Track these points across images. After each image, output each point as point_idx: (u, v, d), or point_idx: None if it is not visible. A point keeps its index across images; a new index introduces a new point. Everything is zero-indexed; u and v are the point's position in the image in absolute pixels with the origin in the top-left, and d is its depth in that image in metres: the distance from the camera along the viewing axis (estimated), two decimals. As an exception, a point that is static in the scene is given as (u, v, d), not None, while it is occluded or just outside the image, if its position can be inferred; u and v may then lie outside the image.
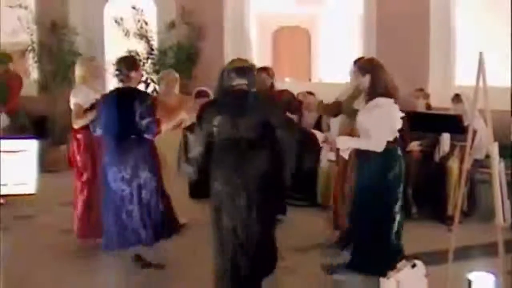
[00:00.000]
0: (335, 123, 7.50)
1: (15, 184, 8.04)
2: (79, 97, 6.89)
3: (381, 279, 4.73)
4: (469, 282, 4.51)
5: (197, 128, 5.23)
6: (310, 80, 14.97)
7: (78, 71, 7.14)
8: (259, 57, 13.16)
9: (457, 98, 8.07)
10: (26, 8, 11.72)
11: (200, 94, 9.20)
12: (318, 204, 8.40)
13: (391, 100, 5.28)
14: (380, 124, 5.21)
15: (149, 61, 11.32)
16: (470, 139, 5.42)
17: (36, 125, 10.88)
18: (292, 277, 5.87)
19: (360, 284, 5.77)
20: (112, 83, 10.23)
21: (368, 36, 10.37)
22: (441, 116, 8.01)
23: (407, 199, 7.89)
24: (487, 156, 6.44)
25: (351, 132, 5.81)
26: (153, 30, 11.58)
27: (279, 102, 5.52)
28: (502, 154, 7.30)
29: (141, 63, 11.17)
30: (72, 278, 6.23)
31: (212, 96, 9.11)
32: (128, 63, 6.24)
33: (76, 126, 6.91)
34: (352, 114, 5.81)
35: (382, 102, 5.24)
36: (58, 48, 11.76)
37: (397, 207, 5.56)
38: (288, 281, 5.72)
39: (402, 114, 5.49)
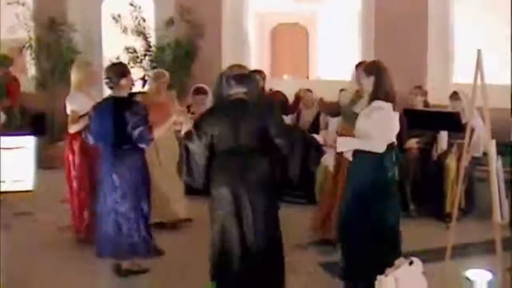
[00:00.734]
0: (333, 122, 7.53)
1: (13, 181, 8.09)
2: (74, 105, 6.94)
3: (379, 277, 4.73)
4: (467, 280, 4.51)
5: (195, 138, 5.15)
6: (308, 77, 14.97)
7: (74, 75, 7.11)
8: (257, 55, 13.17)
9: (455, 95, 8.08)
10: (23, 4, 11.71)
11: (198, 91, 9.21)
12: (316, 202, 8.38)
13: (391, 105, 5.25)
14: (381, 126, 5.18)
15: (147, 58, 11.31)
16: (467, 137, 5.43)
17: (34, 122, 10.89)
18: (291, 274, 5.87)
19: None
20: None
21: (366, 33, 10.38)
22: (439, 114, 8.00)
23: (405, 197, 7.91)
24: (485, 154, 6.44)
25: (349, 134, 5.78)
26: (151, 27, 11.57)
27: (278, 111, 5.46)
28: (501, 152, 7.35)
29: (139, 60, 11.20)
30: (71, 275, 6.23)
31: (210, 93, 9.20)
32: (117, 71, 6.11)
33: (71, 131, 6.99)
34: (351, 117, 5.81)
35: (383, 105, 5.23)
36: (56, 44, 11.75)
37: (390, 216, 5.38)
38: (288, 278, 5.71)
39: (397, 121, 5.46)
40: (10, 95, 10.45)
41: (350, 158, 5.38)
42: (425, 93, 8.97)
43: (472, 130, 7.12)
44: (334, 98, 8.09)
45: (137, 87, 10.89)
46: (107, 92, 6.41)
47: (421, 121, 7.85)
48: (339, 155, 6.05)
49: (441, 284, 5.20)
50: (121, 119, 5.82)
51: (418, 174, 8.25)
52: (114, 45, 11.44)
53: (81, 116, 6.79)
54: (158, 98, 7.59)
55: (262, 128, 5.05)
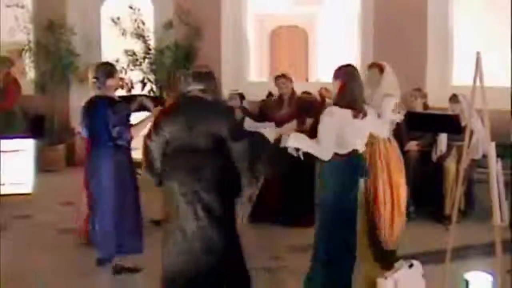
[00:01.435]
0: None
1: (12, 184, 8.08)
2: None
3: (379, 279, 4.72)
4: (467, 282, 4.51)
5: (153, 135, 5.15)
6: (307, 79, 14.97)
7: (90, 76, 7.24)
8: (256, 57, 13.16)
9: (454, 98, 8.09)
10: (23, 7, 11.69)
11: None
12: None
13: (350, 112, 5.04)
14: (327, 133, 5.00)
15: (146, 60, 11.29)
16: (467, 139, 5.43)
17: (33, 125, 10.88)
18: (291, 277, 5.87)
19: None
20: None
21: (365, 36, 10.37)
22: (439, 116, 8.00)
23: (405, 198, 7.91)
24: (485, 156, 6.44)
25: None
26: (150, 29, 11.56)
27: (232, 112, 5.42)
28: (502, 154, 7.33)
29: (138, 63, 11.18)
30: (71, 277, 6.23)
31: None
32: (104, 71, 6.25)
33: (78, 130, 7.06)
34: None
35: (336, 111, 5.05)
36: (55, 47, 11.73)
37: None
38: (287, 281, 5.71)
39: (368, 126, 5.28)
40: (9, 96, 10.43)
41: (302, 158, 5.23)
42: (424, 95, 8.98)
43: (472, 133, 7.12)
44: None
45: (137, 90, 10.91)
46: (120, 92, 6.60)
47: (421, 124, 7.84)
48: None
49: (441, 286, 5.19)
50: (104, 117, 6.02)
51: (418, 176, 8.24)
52: (113, 48, 11.43)
53: None
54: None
55: (215, 129, 4.98)
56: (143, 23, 11.33)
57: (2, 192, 7.83)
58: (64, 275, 6.30)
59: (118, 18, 11.27)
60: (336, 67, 5.39)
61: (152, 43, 11.48)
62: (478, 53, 4.93)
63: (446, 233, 6.73)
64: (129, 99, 6.61)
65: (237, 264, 5.14)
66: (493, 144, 5.03)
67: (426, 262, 5.24)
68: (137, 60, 11.21)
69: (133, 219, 6.23)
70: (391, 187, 5.90)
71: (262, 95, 10.01)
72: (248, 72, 12.11)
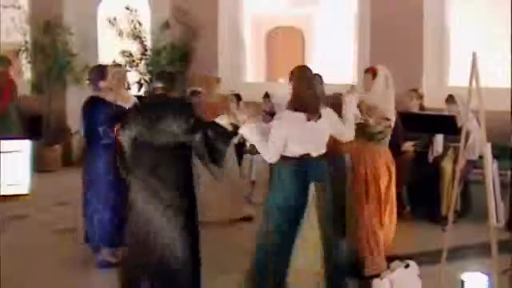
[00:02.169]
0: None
1: (8, 185, 8.06)
2: None
3: (375, 280, 4.74)
4: (462, 283, 4.52)
5: (123, 132, 5.28)
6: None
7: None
8: (253, 58, 13.16)
9: (450, 99, 8.09)
10: (19, 8, 11.70)
11: (194, 93, 9.24)
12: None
13: (300, 115, 4.92)
14: (274, 137, 4.90)
15: (143, 61, 11.30)
16: (463, 140, 5.44)
17: (30, 125, 10.87)
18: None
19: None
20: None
21: (362, 37, 10.39)
22: (435, 117, 8.02)
23: (401, 199, 7.92)
24: (481, 157, 6.46)
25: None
26: (146, 30, 11.57)
27: (190, 108, 5.48)
28: (500, 155, 7.36)
29: (135, 64, 11.19)
30: (67, 278, 6.23)
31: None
32: (96, 73, 6.59)
33: None
34: None
35: (284, 115, 4.99)
36: (52, 48, 11.73)
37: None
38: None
39: (319, 130, 5.01)
40: (4, 95, 10.41)
41: (235, 140, 5.19)
42: (421, 96, 8.99)
43: (468, 133, 7.14)
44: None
45: (133, 91, 10.91)
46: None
47: (417, 124, 7.87)
48: None
49: (437, 286, 5.20)
50: (94, 117, 6.31)
51: (414, 177, 8.25)
52: (110, 49, 11.44)
53: None
54: (210, 100, 8.16)
55: (174, 125, 5.06)
56: (140, 24, 11.34)
57: (-1, 193, 7.82)
58: (61, 275, 6.30)
59: (115, 19, 11.29)
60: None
61: (148, 44, 11.49)
62: (474, 54, 4.94)
63: (442, 233, 6.75)
64: None
65: (192, 263, 5.17)
66: (489, 145, 5.04)
67: (423, 262, 5.26)
68: (133, 61, 11.22)
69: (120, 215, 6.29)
70: (374, 188, 5.87)
71: (258, 96, 10.03)
72: (245, 73, 12.12)
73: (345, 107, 5.37)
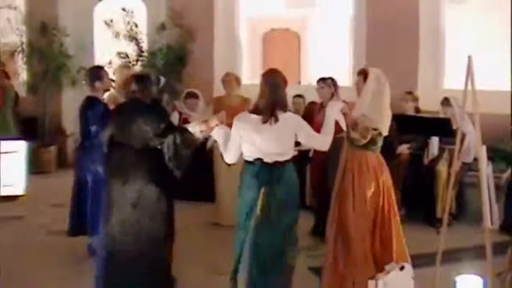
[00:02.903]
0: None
1: (4, 186, 8.07)
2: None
3: (369, 281, 4.74)
4: (457, 285, 4.53)
5: (105, 130, 5.53)
6: (299, 82, 14.98)
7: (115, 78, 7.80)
8: (249, 60, 13.17)
9: (446, 101, 8.11)
10: (15, 8, 11.69)
11: (189, 95, 9.26)
12: (307, 206, 8.34)
13: (255, 117, 4.95)
14: (232, 138, 5.01)
15: (139, 63, 11.30)
16: (458, 143, 5.45)
17: (26, 126, 10.85)
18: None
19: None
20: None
21: (357, 39, 10.41)
22: (430, 119, 8.04)
23: (396, 202, 7.92)
24: (476, 159, 6.47)
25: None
26: (143, 32, 11.56)
27: (162, 112, 5.57)
28: (497, 157, 7.36)
29: (131, 65, 11.17)
30: (62, 279, 6.23)
31: (201, 98, 9.29)
32: (93, 74, 6.80)
33: None
34: None
35: (240, 117, 5.05)
36: (48, 49, 11.73)
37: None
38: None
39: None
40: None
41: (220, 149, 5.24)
42: (416, 99, 9.01)
43: (463, 136, 7.16)
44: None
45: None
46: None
47: (412, 127, 7.89)
48: None
49: (432, 289, 5.22)
50: (86, 116, 6.54)
51: (409, 179, 8.27)
52: (106, 50, 11.43)
53: None
54: (229, 101, 8.24)
55: (145, 127, 5.21)
56: (136, 26, 11.34)
57: (-5, 194, 7.84)
58: (55, 276, 6.30)
59: (111, 21, 11.29)
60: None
61: (144, 45, 11.49)
62: (469, 57, 4.96)
63: (437, 236, 6.77)
64: None
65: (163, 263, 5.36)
66: (483, 147, 5.06)
67: (418, 265, 5.25)
68: (129, 62, 11.21)
69: None
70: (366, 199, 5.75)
71: (254, 98, 10.03)
72: (241, 74, 12.11)
73: (326, 113, 5.29)
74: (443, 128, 7.56)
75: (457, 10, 10.56)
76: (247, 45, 12.89)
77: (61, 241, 7.21)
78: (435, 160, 8.13)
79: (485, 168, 5.03)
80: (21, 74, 12.41)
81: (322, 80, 7.72)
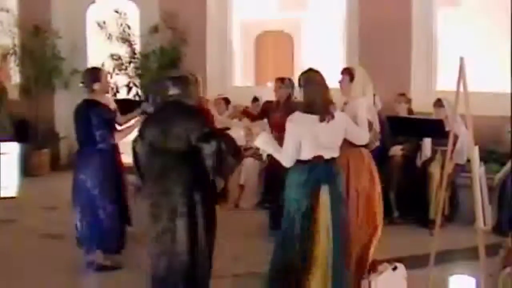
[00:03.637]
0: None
1: (-4, 188, 8.06)
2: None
3: (363, 281, 4.75)
4: (451, 285, 4.54)
5: (139, 140, 5.38)
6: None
7: None
8: (242, 62, 13.17)
9: (438, 103, 8.12)
10: (8, 11, 11.65)
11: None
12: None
13: (313, 117, 4.99)
14: (288, 139, 4.99)
15: (132, 65, 11.28)
16: (451, 144, 5.46)
17: (18, 129, 10.82)
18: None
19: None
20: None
21: (350, 41, 10.41)
22: (423, 121, 8.04)
23: (389, 204, 7.93)
24: (469, 161, 6.48)
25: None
26: (136, 34, 11.55)
27: (202, 115, 5.51)
28: (490, 159, 7.36)
29: (124, 67, 11.16)
30: (55, 282, 6.21)
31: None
32: (90, 76, 6.49)
33: None
34: None
35: (295, 117, 5.04)
36: (41, 51, 11.69)
37: None
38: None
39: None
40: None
41: (264, 158, 5.28)
42: (409, 100, 9.02)
43: (456, 137, 7.17)
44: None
45: (122, 94, 10.89)
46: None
47: (405, 128, 7.88)
48: None
49: (425, 290, 5.22)
50: (89, 120, 6.23)
51: (402, 181, 8.28)
52: (99, 52, 11.40)
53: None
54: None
55: (186, 131, 5.10)
56: (129, 28, 11.32)
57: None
58: (48, 279, 6.28)
59: (104, 23, 11.26)
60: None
61: (137, 47, 11.47)
62: (461, 58, 4.97)
63: (430, 237, 6.77)
64: (131, 104, 6.78)
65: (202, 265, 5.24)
66: (476, 148, 5.07)
67: (411, 266, 5.26)
68: (122, 64, 11.19)
69: (112, 221, 6.35)
70: (359, 196, 5.77)
71: (247, 100, 10.04)
72: (233, 76, 12.13)
73: (357, 110, 5.56)
74: (436, 129, 7.55)
75: (450, 12, 10.57)
76: (240, 47, 12.89)
77: (53, 244, 7.19)
78: (428, 162, 8.14)
79: (478, 169, 5.03)
80: (13, 76, 12.38)
81: (280, 80, 7.96)
